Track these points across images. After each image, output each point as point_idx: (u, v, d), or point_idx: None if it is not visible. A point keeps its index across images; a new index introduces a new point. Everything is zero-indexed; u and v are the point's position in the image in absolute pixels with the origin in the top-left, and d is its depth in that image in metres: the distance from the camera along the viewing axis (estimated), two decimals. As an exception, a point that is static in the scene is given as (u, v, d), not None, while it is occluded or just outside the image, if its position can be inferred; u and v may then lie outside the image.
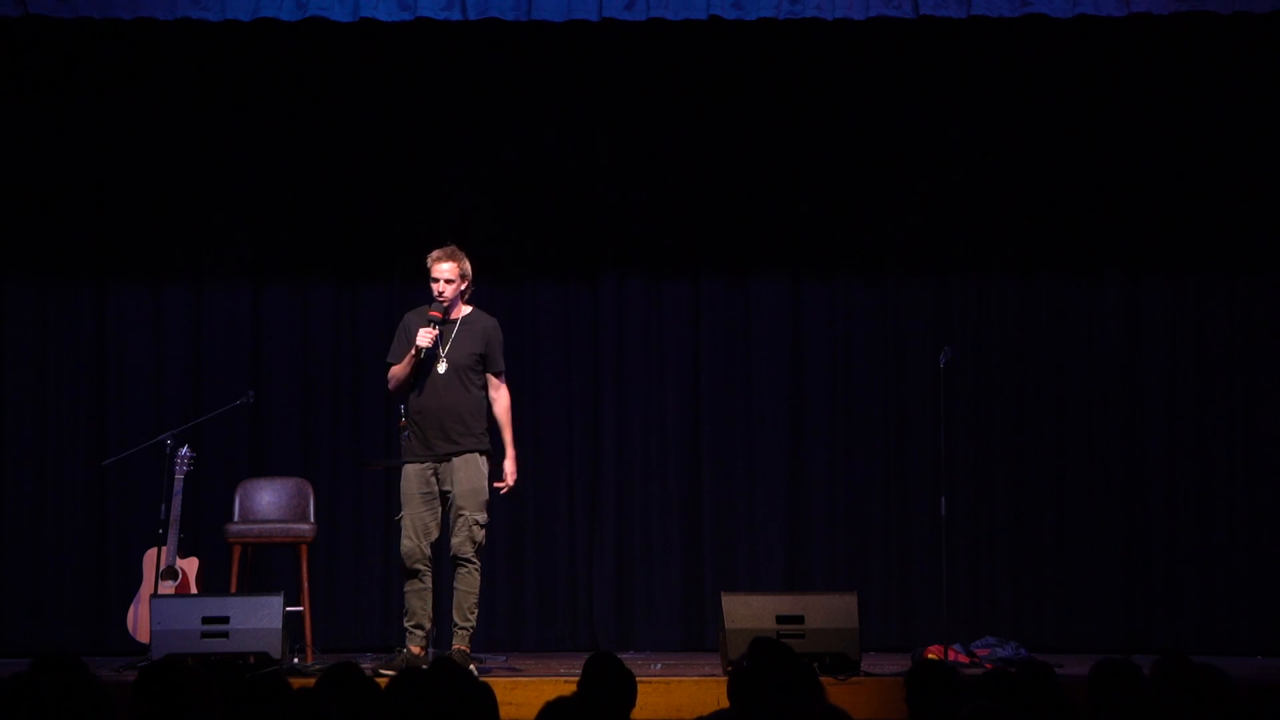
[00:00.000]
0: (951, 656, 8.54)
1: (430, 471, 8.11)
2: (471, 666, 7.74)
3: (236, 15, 8.44)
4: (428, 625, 8.10)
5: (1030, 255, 9.86)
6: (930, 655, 8.53)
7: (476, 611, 8.13)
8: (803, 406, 9.88)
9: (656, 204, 9.91)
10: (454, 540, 8.08)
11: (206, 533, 9.34)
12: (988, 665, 8.54)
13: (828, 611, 8.05)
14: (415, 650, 8.05)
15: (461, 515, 8.05)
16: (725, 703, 5.19)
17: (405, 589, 8.14)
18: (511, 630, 9.69)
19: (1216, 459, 9.71)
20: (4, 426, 9.70)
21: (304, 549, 8.87)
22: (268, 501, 9.18)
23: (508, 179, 9.88)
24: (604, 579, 9.79)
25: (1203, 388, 9.75)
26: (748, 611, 8.06)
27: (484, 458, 8.14)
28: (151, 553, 8.79)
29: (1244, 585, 9.61)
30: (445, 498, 8.13)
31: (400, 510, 8.19)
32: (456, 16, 8.45)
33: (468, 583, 8.09)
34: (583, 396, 9.90)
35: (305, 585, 8.79)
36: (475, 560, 8.08)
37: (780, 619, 8.03)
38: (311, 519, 9.06)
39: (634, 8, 8.48)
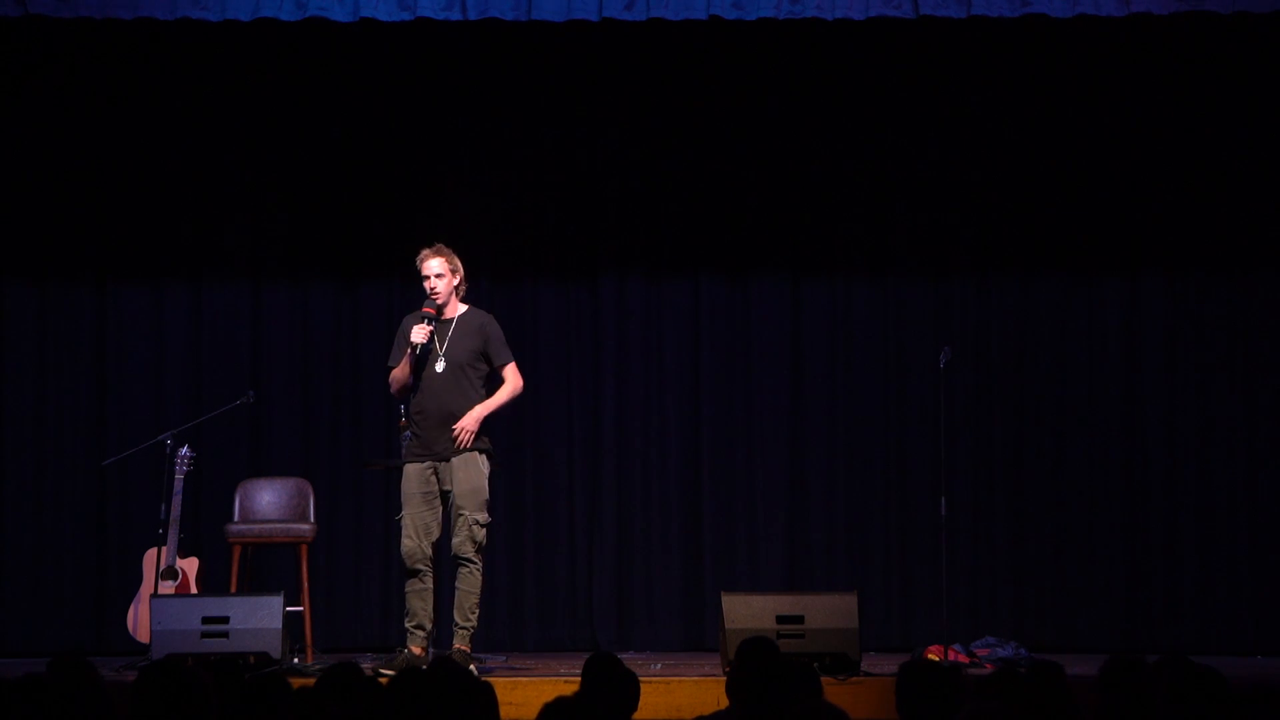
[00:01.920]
0: (951, 656, 8.54)
1: (430, 471, 8.10)
2: (471, 666, 7.75)
3: (236, 15, 8.43)
4: (428, 626, 8.10)
5: (1030, 255, 9.86)
6: (930, 655, 8.53)
7: (478, 611, 8.12)
8: (803, 407, 9.88)
9: (656, 204, 9.91)
10: (454, 540, 8.08)
11: (206, 533, 9.34)
12: (988, 665, 8.55)
13: (828, 611, 8.05)
14: (416, 650, 8.04)
15: (461, 515, 8.05)
16: (725, 702, 5.19)
17: (406, 589, 8.13)
18: (511, 630, 9.69)
19: (1216, 459, 9.71)
20: (4, 426, 9.70)
21: (304, 549, 8.87)
22: (268, 501, 9.18)
23: (508, 179, 9.88)
24: (604, 579, 9.79)
25: (1203, 388, 9.75)
26: (748, 611, 8.05)
27: (484, 457, 8.14)
28: (151, 553, 8.79)
29: (1244, 585, 9.61)
30: (446, 497, 8.13)
31: (401, 510, 8.18)
32: (456, 16, 8.44)
33: (469, 582, 8.08)
34: (583, 396, 9.90)
35: (305, 585, 8.79)
36: (476, 560, 8.08)
37: (780, 619, 8.03)
38: (311, 519, 9.06)
39: (634, 8, 8.48)
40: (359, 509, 9.77)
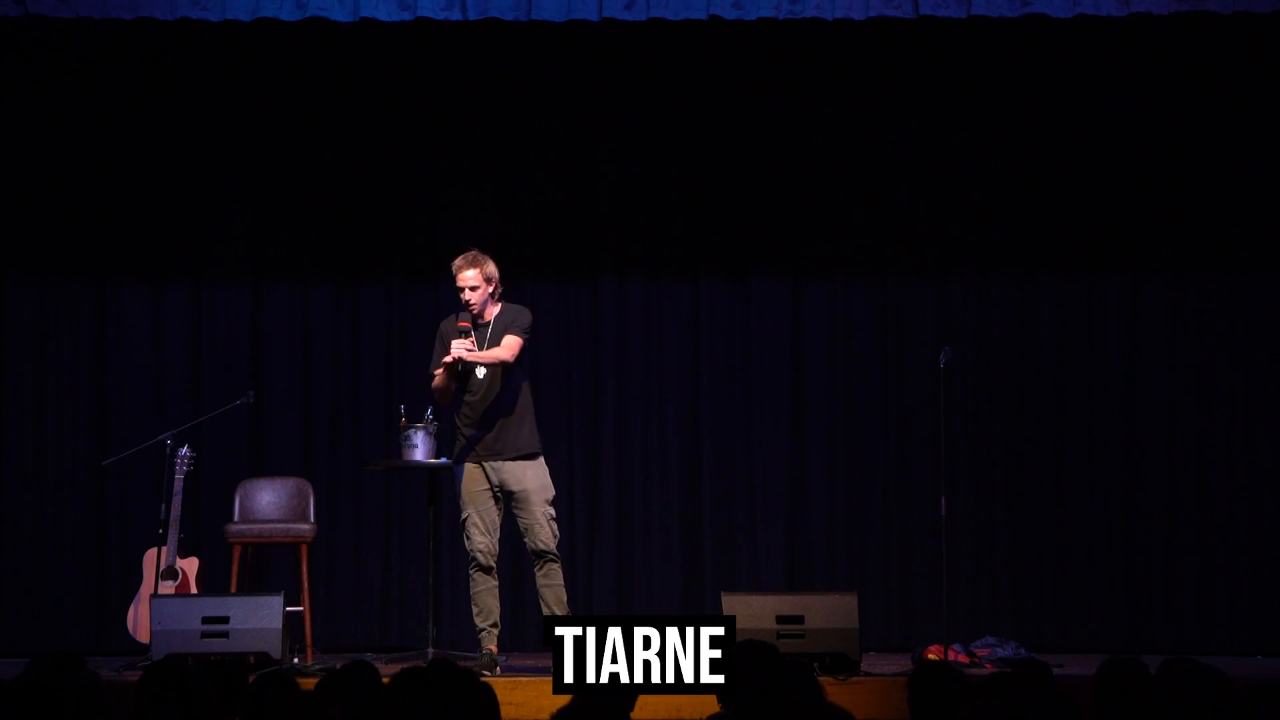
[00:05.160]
0: (951, 656, 8.54)
1: (487, 471, 8.12)
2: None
3: (236, 15, 8.43)
4: (499, 623, 8.13)
5: (1030, 255, 9.86)
6: (930, 655, 8.53)
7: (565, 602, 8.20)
8: (803, 406, 9.89)
9: (656, 204, 9.91)
10: (539, 537, 8.08)
11: (206, 533, 9.34)
12: (988, 665, 8.55)
13: (828, 611, 8.04)
14: (494, 649, 8.06)
15: (536, 511, 8.08)
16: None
17: (478, 588, 8.12)
18: (511, 630, 9.66)
19: (1216, 459, 9.71)
20: (4, 426, 9.70)
21: (304, 549, 8.87)
22: (268, 501, 9.18)
23: (508, 179, 9.88)
24: (604, 579, 9.79)
25: (1203, 387, 9.75)
26: (748, 611, 8.04)
27: (540, 459, 8.18)
28: (151, 553, 8.79)
29: (1244, 585, 9.62)
30: (509, 497, 8.14)
31: (463, 510, 8.16)
32: (456, 16, 8.45)
33: (557, 576, 8.13)
34: (583, 396, 9.90)
35: (305, 585, 8.79)
36: (557, 553, 8.14)
37: (780, 619, 8.02)
38: (311, 519, 9.06)
39: (634, 8, 8.48)
40: (359, 509, 9.78)
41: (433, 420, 8.51)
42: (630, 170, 9.92)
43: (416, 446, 8.49)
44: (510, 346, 8.11)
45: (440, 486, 8.91)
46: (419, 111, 9.86)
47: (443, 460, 8.51)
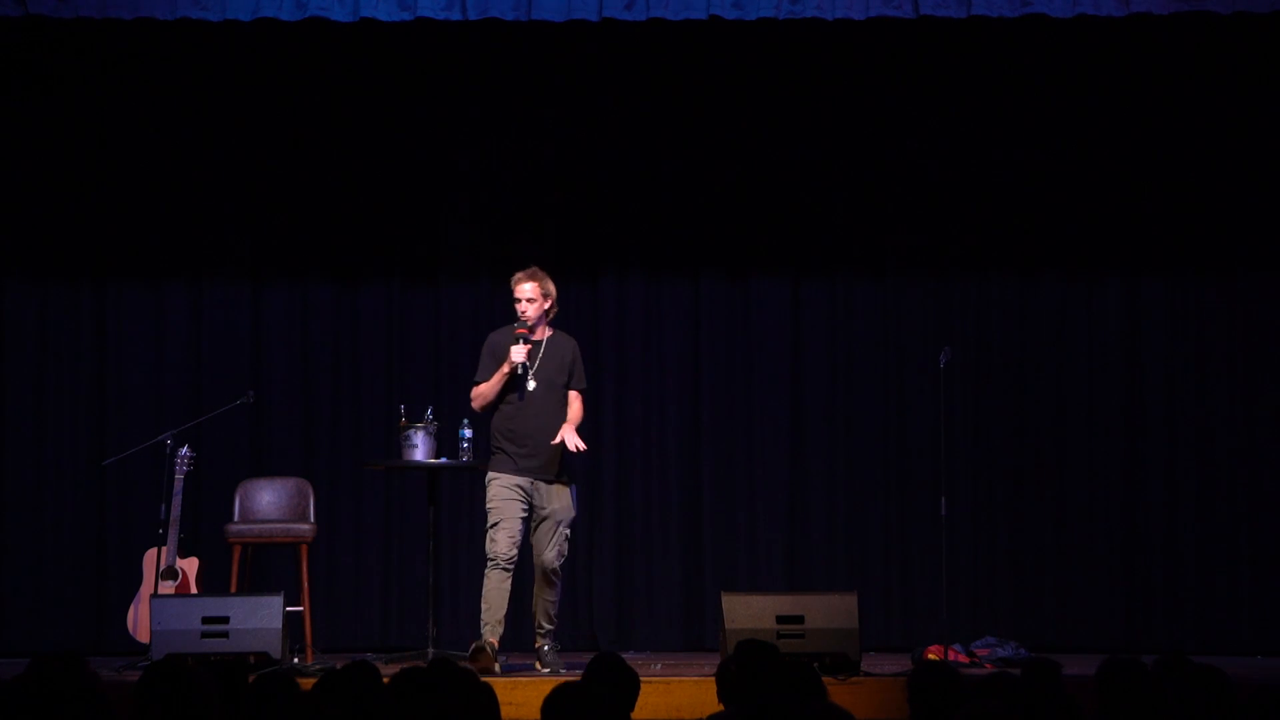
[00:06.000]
0: (951, 656, 8.54)
1: (524, 484, 8.16)
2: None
3: (236, 15, 8.44)
4: (504, 622, 8.17)
5: (1030, 255, 9.86)
6: (930, 655, 8.54)
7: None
8: (803, 406, 9.89)
9: (656, 204, 9.91)
10: (548, 554, 8.15)
11: (206, 533, 9.34)
12: (988, 665, 8.56)
13: (828, 611, 8.05)
14: (495, 643, 8.08)
15: (559, 532, 8.16)
16: (724, 703, 5.19)
17: (493, 585, 8.12)
18: (512, 630, 9.67)
19: (1216, 459, 9.72)
20: (4, 427, 9.70)
21: (304, 549, 8.87)
22: (268, 501, 9.17)
23: (507, 178, 9.89)
24: (604, 579, 9.79)
25: (1203, 388, 9.75)
26: (748, 611, 8.05)
27: (575, 485, 8.27)
28: (151, 553, 8.79)
29: (1244, 585, 9.62)
30: (536, 514, 8.20)
31: (493, 516, 8.17)
32: (456, 16, 8.45)
33: (556, 592, 8.24)
34: (583, 396, 9.90)
35: (305, 585, 8.79)
36: (561, 572, 8.23)
37: (780, 619, 8.03)
38: (311, 519, 9.06)
39: (634, 8, 8.48)
40: (359, 509, 9.78)
41: (433, 420, 8.51)
42: (630, 170, 9.92)
43: (416, 446, 8.49)
44: (581, 408, 8.31)
45: (440, 487, 8.92)
46: (419, 111, 9.86)
47: (443, 460, 8.52)
